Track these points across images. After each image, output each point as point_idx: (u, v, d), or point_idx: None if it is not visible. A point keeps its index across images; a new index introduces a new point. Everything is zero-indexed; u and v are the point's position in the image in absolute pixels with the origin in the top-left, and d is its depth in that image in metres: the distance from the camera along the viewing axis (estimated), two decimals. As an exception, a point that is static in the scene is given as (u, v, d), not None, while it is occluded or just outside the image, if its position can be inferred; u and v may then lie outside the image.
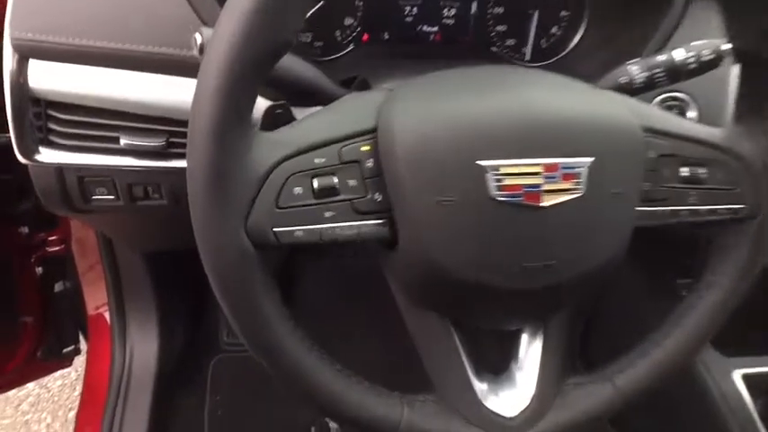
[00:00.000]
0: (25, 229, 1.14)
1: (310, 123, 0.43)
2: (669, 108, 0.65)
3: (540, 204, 0.43)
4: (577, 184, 0.43)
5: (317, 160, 0.41)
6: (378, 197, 0.43)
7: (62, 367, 1.32)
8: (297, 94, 0.50)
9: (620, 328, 1.06)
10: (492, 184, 0.42)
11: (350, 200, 0.42)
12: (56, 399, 1.63)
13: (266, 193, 0.40)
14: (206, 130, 0.36)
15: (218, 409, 1.25)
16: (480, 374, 0.51)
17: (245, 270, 0.40)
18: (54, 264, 1.20)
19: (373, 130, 0.43)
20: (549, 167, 0.42)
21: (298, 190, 0.41)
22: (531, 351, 0.52)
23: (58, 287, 1.24)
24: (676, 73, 0.54)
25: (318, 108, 0.45)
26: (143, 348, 1.16)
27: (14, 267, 1.12)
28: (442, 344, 0.49)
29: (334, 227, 0.42)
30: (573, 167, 0.43)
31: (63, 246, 1.18)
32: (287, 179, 0.41)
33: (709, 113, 0.65)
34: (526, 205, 0.42)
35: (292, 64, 0.49)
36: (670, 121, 0.49)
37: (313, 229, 0.41)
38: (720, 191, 0.49)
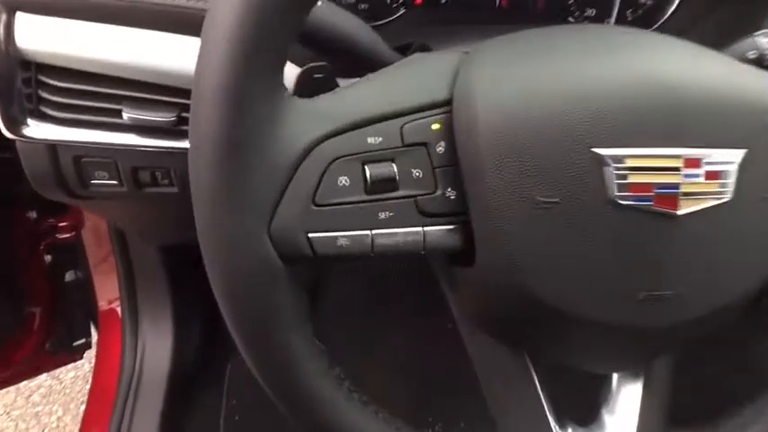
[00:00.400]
0: (33, 214, 1.06)
1: (362, 90, 0.32)
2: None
3: (677, 212, 0.31)
4: (723, 185, 0.31)
5: (370, 140, 0.30)
6: (450, 194, 0.32)
7: (72, 361, 1.25)
8: (343, 59, 0.39)
9: (722, 370, 0.93)
10: (612, 182, 0.30)
11: (413, 196, 0.31)
12: (68, 391, 1.56)
13: (300, 184, 0.29)
14: (216, 92, 0.26)
15: (235, 415, 1.16)
16: (564, 424, 0.40)
17: (268, 292, 0.29)
18: (65, 252, 1.12)
19: (447, 103, 0.31)
20: (690, 162, 0.31)
21: (343, 180, 0.30)
22: (627, 396, 0.41)
23: (69, 276, 1.16)
24: None
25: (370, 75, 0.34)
26: (156, 347, 1.07)
27: (21, 254, 1.04)
28: (517, 384, 0.38)
29: (390, 233, 0.31)
30: (719, 163, 0.31)
31: (74, 233, 1.10)
32: (329, 165, 0.30)
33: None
34: (657, 212, 0.31)
35: (338, 18, 0.38)
36: None
37: (362, 236, 0.30)
38: None
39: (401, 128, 0.31)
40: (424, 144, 0.31)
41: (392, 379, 1.11)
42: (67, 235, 1.09)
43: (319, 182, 0.29)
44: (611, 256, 0.31)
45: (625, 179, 0.30)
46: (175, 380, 1.06)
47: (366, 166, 0.30)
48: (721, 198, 0.32)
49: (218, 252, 0.28)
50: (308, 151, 0.29)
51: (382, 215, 0.31)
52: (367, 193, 0.30)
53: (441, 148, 0.32)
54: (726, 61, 0.36)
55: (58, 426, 1.51)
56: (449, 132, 0.31)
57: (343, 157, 0.30)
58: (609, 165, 0.30)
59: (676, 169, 0.30)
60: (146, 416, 1.05)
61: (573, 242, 0.31)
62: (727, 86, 0.32)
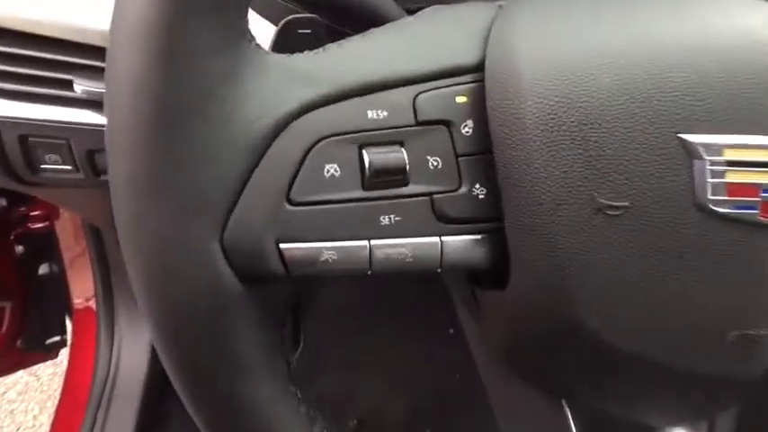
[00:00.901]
0: (2, 201, 0.97)
1: (361, 47, 0.24)
2: None
3: (788, 225, 0.22)
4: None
5: (371, 114, 0.22)
6: (479, 192, 0.23)
7: (46, 359, 1.17)
8: (338, 16, 0.31)
9: None
10: (705, 181, 0.22)
11: (428, 194, 0.23)
12: (45, 388, 1.48)
13: (268, 174, 0.21)
14: (140, 35, 0.17)
15: (218, 423, 1.07)
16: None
17: (221, 327, 0.21)
18: (38, 243, 1.04)
19: (477, 68, 0.23)
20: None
21: (331, 170, 0.22)
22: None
23: (42, 270, 1.08)
24: None
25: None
26: (133, 350, 0.99)
27: (-12, 245, 0.96)
28: None
29: (395, 244, 0.22)
30: None
31: (48, 223, 1.02)
32: (311, 147, 0.21)
33: None
34: (763, 225, 0.22)
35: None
36: None
37: (357, 247, 0.22)
38: None
39: (414, 99, 0.23)
40: (446, 123, 0.23)
41: (388, 390, 1.04)
42: (40, 225, 1.01)
43: (297, 171, 0.21)
44: (696, 282, 0.23)
45: (722, 178, 0.22)
46: (152, 384, 0.98)
47: (364, 151, 0.22)
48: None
49: (148, 270, 0.20)
50: (281, 127, 0.21)
51: (385, 219, 0.22)
52: (365, 188, 0.22)
53: (467, 128, 0.23)
54: None
55: (33, 425, 1.43)
56: (479, 107, 0.23)
57: (331, 136, 0.22)
58: (701, 158, 0.22)
59: (783, 166, 0.22)
60: (120, 422, 0.97)
61: (645, 262, 0.22)
62: None
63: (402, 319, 1.03)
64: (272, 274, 0.21)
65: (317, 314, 1.01)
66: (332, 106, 0.22)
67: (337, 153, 0.22)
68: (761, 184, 0.22)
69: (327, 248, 0.22)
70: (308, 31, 0.29)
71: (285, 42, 0.28)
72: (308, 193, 0.22)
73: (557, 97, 0.22)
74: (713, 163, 0.22)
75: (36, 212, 1.03)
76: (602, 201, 0.22)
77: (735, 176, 0.22)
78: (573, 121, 0.22)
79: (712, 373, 0.24)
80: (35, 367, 1.50)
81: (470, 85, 0.23)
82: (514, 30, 0.23)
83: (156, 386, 1.00)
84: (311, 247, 0.22)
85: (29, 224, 1.04)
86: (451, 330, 0.95)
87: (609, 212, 0.22)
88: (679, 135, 0.22)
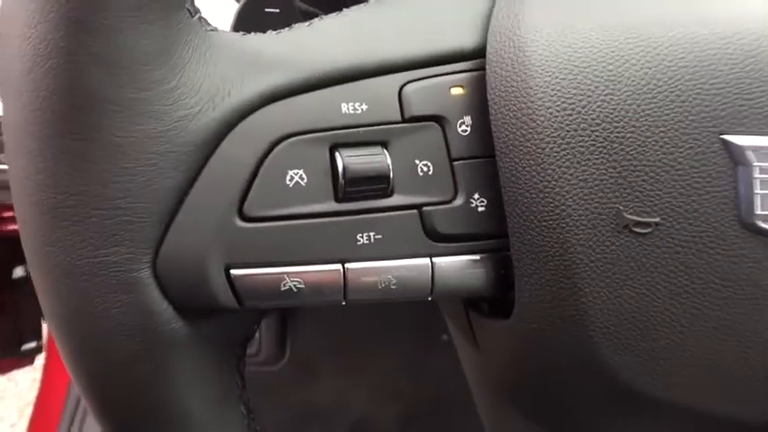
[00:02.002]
0: (-27, 202, 0.93)
1: (335, 26, 0.19)
2: None
3: None
4: None
5: (346, 108, 0.18)
6: (478, 203, 0.19)
7: (20, 366, 1.13)
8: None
9: None
10: (753, 192, 0.18)
11: (417, 206, 0.19)
12: (24, 394, 1.43)
13: (215, 182, 0.17)
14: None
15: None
16: None
17: (154, 373, 0.17)
18: (13, 244, 1.00)
19: (477, 54, 0.19)
20: None
21: (296, 177, 0.18)
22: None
23: (17, 272, 1.04)
24: None
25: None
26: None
27: (-41, 246, 0.92)
28: None
29: (376, 268, 0.18)
30: None
31: (22, 223, 0.97)
32: (271, 148, 0.17)
33: None
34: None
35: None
36: None
37: (328, 272, 0.18)
38: None
39: (400, 90, 0.19)
40: (438, 119, 0.19)
41: (379, 398, 1.00)
42: (14, 227, 0.97)
43: (252, 178, 0.17)
44: (741, 313, 0.19)
45: (774, 188, 0.18)
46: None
47: (338, 153, 0.18)
48: None
49: (58, 305, 0.16)
50: (230, 123, 0.17)
51: (363, 238, 0.18)
52: (338, 199, 0.18)
53: (465, 126, 0.19)
54: None
55: (11, 433, 1.38)
56: (479, 101, 0.19)
57: (297, 135, 0.18)
58: (748, 163, 0.18)
59: None
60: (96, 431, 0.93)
61: (680, 290, 0.18)
62: None
63: (394, 325, 0.99)
64: (219, 306, 0.17)
65: (306, 320, 0.96)
66: (297, 98, 0.18)
67: (304, 156, 0.18)
68: (821, 196, 0.18)
69: (291, 274, 0.18)
70: (277, 10, 0.25)
71: (248, 22, 0.24)
72: (266, 207, 0.17)
73: (574, 89, 0.18)
74: (763, 170, 0.18)
75: (10, 213, 0.98)
76: (628, 216, 0.18)
77: (791, 187, 0.18)
78: (594, 118, 0.18)
79: (762, 420, 0.20)
80: (13, 372, 1.45)
81: (469, 73, 0.19)
82: (523, 8, 0.19)
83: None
84: (270, 273, 0.17)
85: (3, 226, 0.99)
86: (444, 337, 0.91)
87: (636, 230, 0.18)
88: (723, 136, 0.18)
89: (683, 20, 0.19)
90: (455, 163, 0.19)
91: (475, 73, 0.19)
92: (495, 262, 0.20)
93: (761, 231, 0.18)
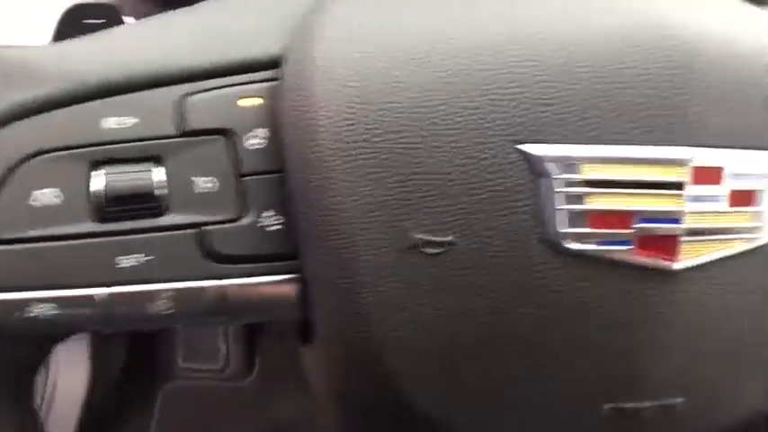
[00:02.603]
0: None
1: (125, 36, 0.18)
2: None
3: (674, 265, 0.17)
4: (758, 216, 0.17)
5: (109, 123, 0.16)
6: (270, 222, 0.18)
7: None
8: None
9: None
10: (555, 209, 0.16)
11: (195, 226, 0.17)
12: None
13: None
14: None
15: (167, 450, 1.01)
16: None
17: None
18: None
19: (273, 64, 0.18)
20: (703, 174, 0.16)
21: (48, 195, 0.16)
22: None
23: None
24: None
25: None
26: (70, 371, 0.93)
27: None
28: None
29: (144, 292, 0.17)
30: (756, 176, 0.17)
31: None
32: (18, 165, 0.16)
33: None
34: (639, 266, 0.17)
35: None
36: None
37: (81, 297, 0.16)
38: None
39: (181, 103, 0.17)
40: (224, 132, 0.17)
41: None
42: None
43: None
44: (551, 342, 0.17)
45: (580, 203, 0.16)
46: (92, 411, 0.92)
47: (97, 171, 0.16)
48: (755, 239, 0.18)
49: None
50: None
51: (127, 260, 0.16)
52: (99, 219, 0.16)
53: (259, 139, 0.18)
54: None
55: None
56: (272, 113, 0.17)
57: (50, 151, 0.16)
58: (548, 175, 0.16)
59: (678, 186, 0.16)
60: (58, 450, 0.91)
61: (477, 316, 0.17)
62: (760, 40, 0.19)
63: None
64: None
65: (273, 334, 0.94)
66: (53, 113, 0.16)
67: (58, 174, 0.16)
68: (635, 210, 0.16)
69: (40, 300, 0.16)
70: (102, 20, 0.23)
71: (69, 34, 0.22)
72: (10, 228, 0.16)
73: (358, 99, 0.16)
74: (568, 183, 0.16)
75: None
76: (417, 235, 0.16)
77: (599, 202, 0.16)
78: (377, 130, 0.16)
79: None
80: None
81: (262, 84, 0.18)
82: (324, 16, 0.18)
83: (98, 411, 0.94)
84: (10, 299, 0.16)
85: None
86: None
87: (426, 250, 0.16)
88: (520, 146, 0.16)
89: (479, 24, 0.17)
90: (245, 179, 0.18)
91: (270, 84, 0.18)
92: (292, 284, 0.18)
93: (565, 251, 0.16)
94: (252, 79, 0.18)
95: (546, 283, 0.16)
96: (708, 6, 0.19)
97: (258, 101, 0.18)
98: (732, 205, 0.17)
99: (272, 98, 0.18)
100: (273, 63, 0.18)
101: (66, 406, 0.92)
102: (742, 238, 0.18)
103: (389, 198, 0.16)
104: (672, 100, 0.16)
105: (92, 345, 0.95)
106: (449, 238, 0.16)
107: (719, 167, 0.17)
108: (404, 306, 0.16)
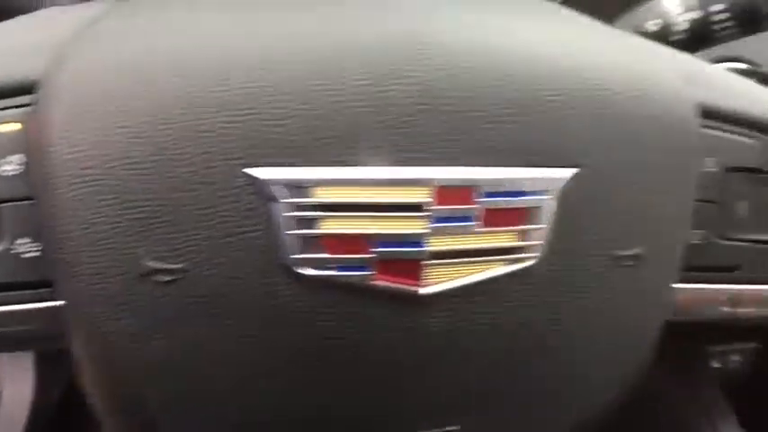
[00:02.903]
0: None
1: None
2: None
3: (420, 290, 0.16)
4: (523, 235, 0.17)
5: None
6: (29, 248, 0.17)
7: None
8: None
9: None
10: (285, 233, 0.15)
11: None
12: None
13: None
14: None
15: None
16: None
17: None
18: None
19: (32, 88, 0.17)
20: (447, 194, 0.16)
21: None
22: None
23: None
24: (755, 15, 0.28)
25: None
26: (14, 385, 0.91)
27: None
28: None
29: None
30: (516, 194, 0.17)
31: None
32: None
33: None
34: (380, 291, 0.16)
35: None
36: (753, 95, 0.23)
37: None
38: None
39: None
40: None
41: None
42: None
43: None
44: (288, 377, 0.16)
45: (313, 228, 0.15)
46: (37, 420, 0.91)
47: None
48: (522, 260, 0.17)
49: None
50: None
51: None
52: None
53: (11, 166, 0.17)
54: (573, 21, 0.21)
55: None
56: (28, 139, 0.17)
57: None
58: (278, 199, 0.15)
59: (418, 208, 0.16)
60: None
61: (222, 346, 0.16)
62: (554, 53, 0.18)
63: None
64: None
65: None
66: None
67: None
68: (373, 234, 0.16)
69: None
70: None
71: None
72: None
73: (93, 124, 0.15)
74: (299, 207, 0.15)
75: None
76: (148, 263, 0.15)
77: (333, 225, 0.15)
78: (107, 156, 0.15)
79: None
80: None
81: (19, 110, 0.17)
82: (80, 42, 0.17)
83: (43, 428, 0.92)
84: None
85: None
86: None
87: (158, 278, 0.15)
88: (246, 170, 0.15)
89: (222, 40, 0.16)
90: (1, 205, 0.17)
91: (27, 109, 0.17)
92: (48, 312, 0.17)
93: (303, 278, 0.16)
94: (8, 105, 0.17)
95: (291, 310, 0.16)
96: (478, 21, 0.18)
97: (14, 126, 0.17)
98: (488, 225, 0.16)
99: (28, 124, 0.17)
100: (32, 88, 0.17)
101: (11, 424, 0.90)
102: (504, 260, 0.17)
103: (120, 225, 0.15)
104: (417, 118, 0.16)
105: (36, 358, 0.93)
106: (180, 266, 0.15)
107: (470, 186, 0.16)
108: (142, 335, 0.16)
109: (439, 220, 0.16)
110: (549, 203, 0.17)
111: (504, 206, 0.16)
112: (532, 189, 0.17)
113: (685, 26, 0.28)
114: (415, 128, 0.16)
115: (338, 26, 0.17)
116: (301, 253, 0.15)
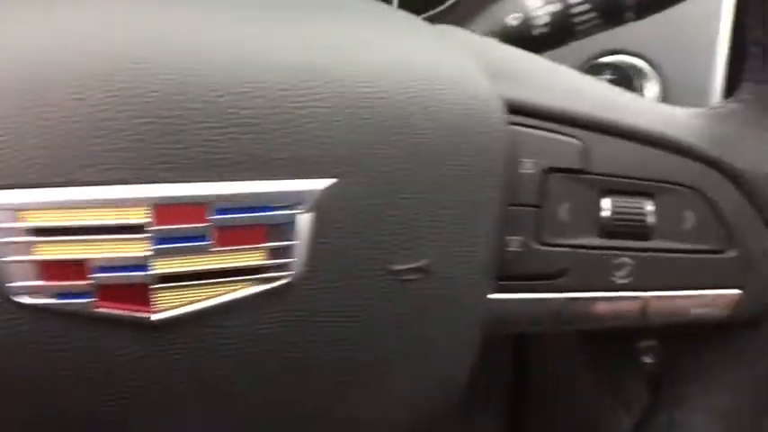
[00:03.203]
0: None
1: None
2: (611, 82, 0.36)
3: (152, 318, 0.15)
4: (274, 252, 0.16)
5: None
6: None
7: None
8: None
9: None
10: (3, 261, 0.15)
11: None
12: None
13: None
14: None
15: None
16: None
17: None
18: None
19: None
20: (169, 213, 0.15)
21: None
22: None
23: None
24: (616, 6, 0.27)
25: None
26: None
27: None
28: None
29: None
30: (259, 209, 0.16)
31: None
32: None
33: (680, 91, 0.35)
34: (110, 320, 0.15)
35: None
36: (578, 90, 0.21)
37: None
38: (693, 256, 0.21)
39: None
40: None
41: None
42: None
43: None
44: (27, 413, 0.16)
45: (27, 254, 0.15)
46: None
47: None
48: (276, 278, 0.16)
49: None
50: None
51: None
52: None
53: None
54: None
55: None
56: None
57: None
58: (-10, 225, 0.15)
59: (136, 229, 0.15)
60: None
61: None
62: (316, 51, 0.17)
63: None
64: None
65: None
66: None
67: None
68: (89, 259, 0.15)
69: None
70: None
71: None
72: None
73: None
74: (10, 232, 0.15)
75: None
76: None
77: (48, 250, 0.15)
78: None
79: None
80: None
81: None
82: None
83: None
84: None
85: None
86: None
87: None
88: None
89: None
90: None
91: None
92: None
93: (20, 307, 0.15)
94: None
95: (19, 342, 0.15)
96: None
97: None
98: (225, 244, 0.16)
99: None
100: None
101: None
102: (252, 280, 0.16)
103: None
104: (136, 133, 0.15)
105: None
106: None
107: (197, 204, 0.15)
108: None
109: (162, 240, 0.15)
110: (302, 218, 0.16)
111: (242, 223, 0.16)
112: (278, 203, 0.16)
113: (546, 20, 0.27)
114: (133, 144, 0.15)
115: (45, 41, 0.16)
116: (19, 281, 0.15)
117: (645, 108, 0.21)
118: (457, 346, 0.20)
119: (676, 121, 0.21)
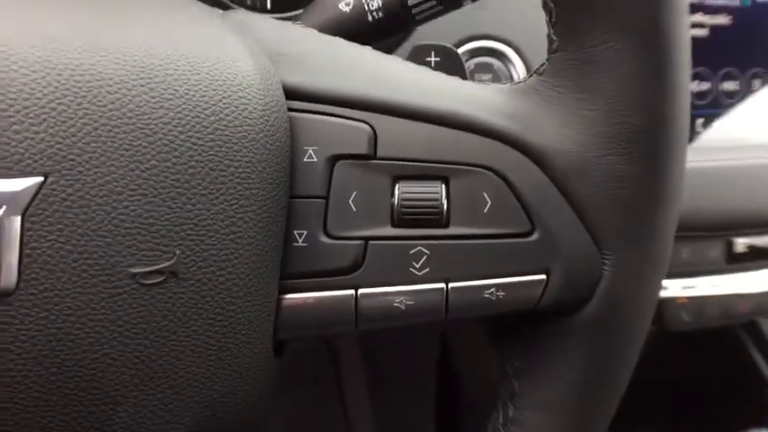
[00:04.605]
0: None
1: None
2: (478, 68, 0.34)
3: None
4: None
5: None
6: None
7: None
8: None
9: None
10: None
11: None
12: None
13: None
14: None
15: None
16: None
17: None
18: None
19: None
20: None
21: None
22: None
23: None
24: None
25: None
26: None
27: None
28: None
29: None
30: None
31: None
32: None
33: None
34: None
35: None
36: (362, 72, 0.20)
37: None
38: (493, 241, 0.19)
39: None
40: None
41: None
42: None
43: None
44: None
45: None
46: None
47: None
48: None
49: None
50: None
51: None
52: None
53: None
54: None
55: None
56: None
57: None
58: None
59: None
60: None
61: None
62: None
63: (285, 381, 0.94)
64: None
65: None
66: None
67: None
68: None
69: None
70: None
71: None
72: None
73: None
74: None
75: None
76: None
77: None
78: None
79: None
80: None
81: None
82: None
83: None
84: None
85: None
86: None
87: None
88: None
89: None
90: None
91: None
92: None
93: None
94: None
95: None
96: None
97: None
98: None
99: None
100: None
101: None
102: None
103: None
104: None
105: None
106: None
107: None
108: None
109: None
110: (6, 221, 0.15)
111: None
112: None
113: (378, 4, 0.25)
114: None
115: None
116: None
117: (442, 87, 0.20)
118: (244, 352, 0.18)
119: (475, 98, 0.20)
